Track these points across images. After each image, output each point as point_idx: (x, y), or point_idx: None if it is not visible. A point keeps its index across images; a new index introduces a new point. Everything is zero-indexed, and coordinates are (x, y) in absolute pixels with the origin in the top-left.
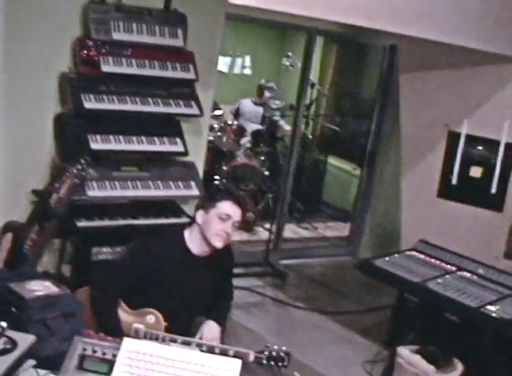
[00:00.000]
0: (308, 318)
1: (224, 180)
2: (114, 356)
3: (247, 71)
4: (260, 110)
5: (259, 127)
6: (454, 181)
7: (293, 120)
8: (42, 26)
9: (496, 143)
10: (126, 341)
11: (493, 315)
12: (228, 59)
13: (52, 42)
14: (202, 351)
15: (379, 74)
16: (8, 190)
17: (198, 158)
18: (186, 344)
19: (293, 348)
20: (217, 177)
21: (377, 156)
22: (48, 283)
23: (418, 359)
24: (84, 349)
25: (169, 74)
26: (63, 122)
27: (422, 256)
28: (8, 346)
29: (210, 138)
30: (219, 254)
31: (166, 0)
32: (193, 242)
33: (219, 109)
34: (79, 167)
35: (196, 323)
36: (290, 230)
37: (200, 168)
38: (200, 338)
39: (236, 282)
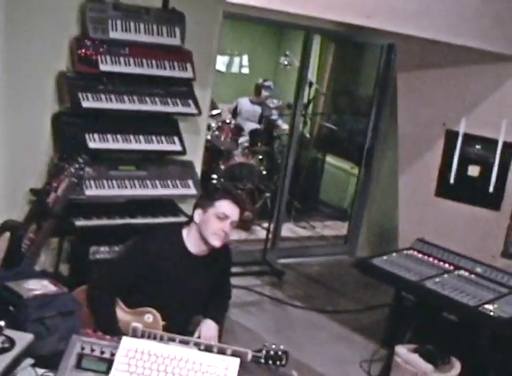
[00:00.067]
0: (306, 317)
1: (222, 179)
2: (112, 354)
3: (245, 70)
4: (258, 109)
5: (257, 126)
6: (452, 180)
7: (291, 119)
8: (40, 25)
9: (494, 142)
10: (124, 339)
11: (491, 314)
12: (226, 58)
13: (49, 41)
14: (200, 350)
15: (376, 72)
16: (5, 189)
17: (196, 157)
18: (184, 343)
19: (291, 347)
20: (215, 176)
21: (375, 155)
22: (46, 282)
23: (416, 358)
24: (83, 348)
25: (167, 72)
26: (61, 121)
27: (420, 255)
28: (6, 345)
29: (208, 137)
30: (217, 253)
31: None
32: (191, 241)
33: (217, 108)
34: (77, 166)
35: (194, 322)
36: (288, 229)
37: (198, 167)
38: (198, 337)
39: (233, 281)
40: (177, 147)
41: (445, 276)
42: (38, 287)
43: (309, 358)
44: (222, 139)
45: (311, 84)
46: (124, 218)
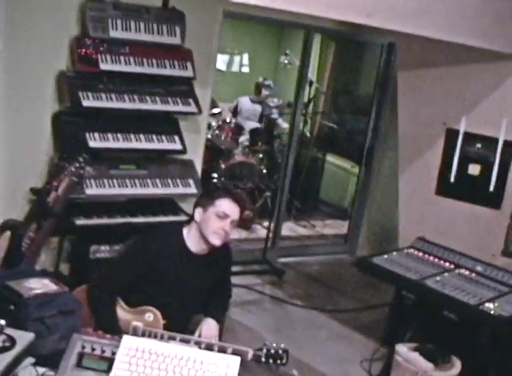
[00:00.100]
0: (306, 316)
1: (222, 178)
2: (113, 353)
3: (245, 69)
4: (258, 108)
5: (257, 125)
6: (452, 178)
7: (291, 118)
8: (40, 24)
9: (494, 141)
10: (125, 338)
11: (491, 312)
12: (226, 57)
13: (49, 40)
14: (200, 348)
15: (377, 71)
16: (6, 189)
17: (196, 156)
18: (185, 341)
19: (292, 346)
20: (215, 175)
21: (375, 153)
22: (46, 281)
23: (416, 357)
24: (83, 347)
25: (167, 71)
26: (61, 120)
27: (420, 254)
28: (6, 344)
29: (209, 136)
30: (217, 252)
31: None
32: (191, 240)
33: (217, 107)
34: (77, 165)
35: (195, 321)
36: (288, 228)
37: (199, 166)
38: (199, 336)
39: (234, 280)
40: (177, 146)
41: (446, 274)
42: (39, 286)
43: (309, 357)
44: (223, 138)
45: (311, 83)
46: (125, 218)
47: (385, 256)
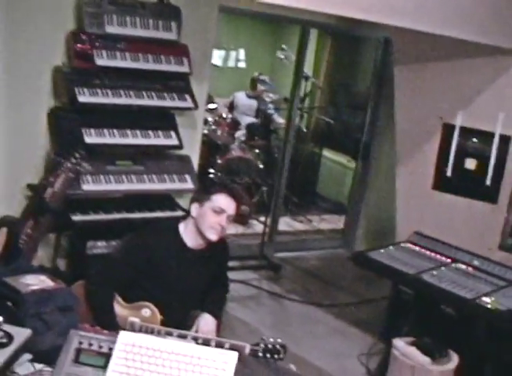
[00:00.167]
0: (303, 311)
1: (219, 173)
2: (111, 349)
3: (242, 64)
4: (254, 103)
5: (254, 120)
6: (449, 173)
7: (288, 113)
8: (36, 20)
9: (491, 135)
10: (122, 334)
11: (488, 306)
12: (222, 53)
13: (45, 36)
14: (198, 344)
15: (373, 66)
16: (2, 185)
17: (193, 152)
18: (182, 337)
19: (289, 340)
20: (212, 170)
21: (372, 148)
22: (43, 278)
23: (413, 351)
24: (81, 343)
25: (163, 67)
26: (57, 116)
27: (417, 248)
28: (4, 340)
29: (205, 131)
30: (214, 248)
31: None
32: (188, 235)
33: (214, 102)
34: (73, 161)
35: (192, 317)
36: (285, 223)
37: (195, 161)
38: (196, 331)
39: (231, 275)
40: (174, 142)
41: (443, 269)
42: (36, 282)
43: (307, 352)
44: (219, 133)
45: (307, 78)
46: (122, 213)
47: (382, 250)
